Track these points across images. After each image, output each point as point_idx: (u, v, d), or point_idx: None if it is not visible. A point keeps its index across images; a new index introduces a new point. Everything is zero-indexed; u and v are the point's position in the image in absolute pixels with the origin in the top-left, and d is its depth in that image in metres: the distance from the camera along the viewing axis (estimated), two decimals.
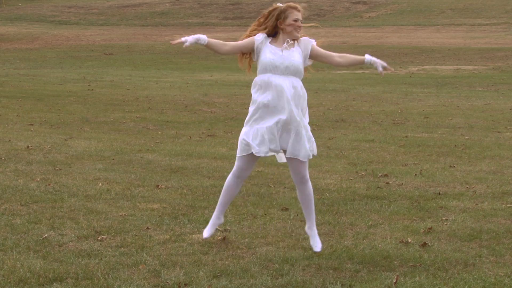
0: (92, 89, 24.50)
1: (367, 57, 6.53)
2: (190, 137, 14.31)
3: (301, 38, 6.56)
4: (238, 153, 6.60)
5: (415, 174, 10.52)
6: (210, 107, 19.97)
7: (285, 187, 9.49)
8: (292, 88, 6.45)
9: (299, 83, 6.52)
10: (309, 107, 21.49)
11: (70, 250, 6.70)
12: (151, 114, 18.08)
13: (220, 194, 6.88)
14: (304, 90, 6.56)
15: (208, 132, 15.04)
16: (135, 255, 6.59)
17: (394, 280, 5.96)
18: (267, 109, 6.46)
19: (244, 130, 6.58)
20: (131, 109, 18.97)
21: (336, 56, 6.61)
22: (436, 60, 39.10)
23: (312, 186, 9.53)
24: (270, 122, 6.46)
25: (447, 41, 48.93)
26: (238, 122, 16.10)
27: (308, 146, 6.58)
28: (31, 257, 6.46)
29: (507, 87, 26.70)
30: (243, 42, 6.61)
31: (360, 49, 45.11)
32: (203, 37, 6.57)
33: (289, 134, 6.49)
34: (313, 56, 6.61)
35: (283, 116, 6.43)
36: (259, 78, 6.54)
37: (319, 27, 6.71)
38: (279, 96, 6.44)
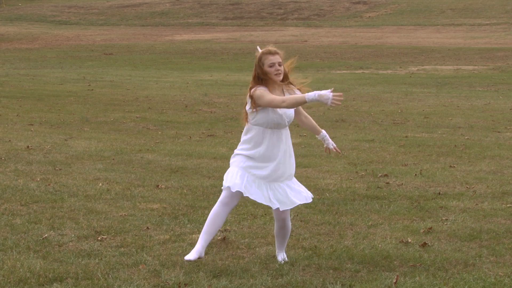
0: (92, 89, 24.50)
1: (323, 133, 6.49)
2: (190, 137, 14.32)
3: (292, 86, 6.32)
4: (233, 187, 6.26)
5: (415, 174, 10.52)
6: (210, 107, 19.97)
7: None
8: (284, 144, 6.35)
9: (288, 133, 6.41)
10: (309, 107, 21.28)
11: (70, 250, 6.71)
12: (151, 114, 18.08)
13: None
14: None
15: (208, 132, 15.04)
16: (135, 255, 6.59)
17: (394, 280, 5.96)
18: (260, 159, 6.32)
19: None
20: (131, 109, 18.97)
21: (303, 115, 6.46)
22: (436, 60, 39.11)
23: (312, 186, 9.59)
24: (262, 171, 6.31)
25: (447, 41, 48.93)
26: (238, 122, 16.10)
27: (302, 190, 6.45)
28: (31, 257, 6.47)
29: (507, 87, 26.69)
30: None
31: (360, 49, 45.13)
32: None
33: (281, 186, 6.33)
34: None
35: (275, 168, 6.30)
36: (254, 133, 6.34)
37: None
38: (273, 148, 6.32)
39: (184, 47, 48.18)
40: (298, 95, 6.18)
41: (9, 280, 5.90)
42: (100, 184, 9.52)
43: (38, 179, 9.75)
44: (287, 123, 6.33)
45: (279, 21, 63.72)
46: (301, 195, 6.36)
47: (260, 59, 6.30)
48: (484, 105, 20.80)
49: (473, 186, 9.76)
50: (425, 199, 8.95)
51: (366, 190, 9.44)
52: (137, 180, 9.90)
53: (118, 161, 11.42)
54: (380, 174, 10.48)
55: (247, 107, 6.37)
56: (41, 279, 5.94)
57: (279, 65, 6.24)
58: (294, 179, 6.42)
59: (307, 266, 6.37)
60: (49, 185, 9.40)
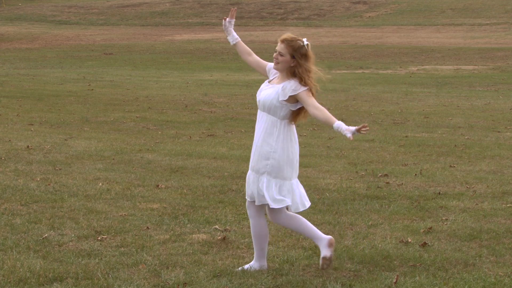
0: (92, 89, 24.50)
1: (336, 124, 5.91)
2: (190, 137, 14.31)
3: (292, 80, 6.11)
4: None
5: (415, 174, 10.52)
6: (210, 107, 19.97)
7: None
8: (261, 131, 6.16)
9: (270, 122, 6.12)
10: None
11: (70, 250, 6.71)
12: (151, 114, 18.08)
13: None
14: (275, 131, 6.09)
15: (208, 132, 15.04)
16: (135, 255, 6.59)
17: (394, 280, 5.96)
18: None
19: None
20: (131, 109, 18.97)
21: (313, 107, 6.06)
22: (436, 60, 39.10)
23: (312, 186, 9.58)
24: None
25: (447, 41, 48.92)
26: (238, 122, 16.09)
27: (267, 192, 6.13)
28: (31, 257, 6.47)
29: (507, 87, 26.69)
30: (261, 61, 6.41)
31: (360, 49, 45.13)
32: (234, 38, 6.50)
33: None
34: (299, 99, 6.12)
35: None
36: None
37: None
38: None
39: (184, 47, 48.17)
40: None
41: (9, 280, 5.90)
42: (100, 184, 9.52)
43: (38, 179, 9.75)
44: (260, 106, 6.17)
45: (279, 21, 63.72)
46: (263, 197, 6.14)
47: None
48: (484, 105, 20.80)
49: (473, 186, 9.76)
50: (425, 199, 8.95)
51: (366, 190, 9.44)
52: (137, 180, 9.90)
53: (118, 161, 11.42)
54: (380, 174, 10.48)
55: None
56: (41, 279, 5.94)
57: (280, 55, 6.12)
58: (265, 181, 6.11)
59: (307, 266, 6.37)
60: (49, 185, 9.40)
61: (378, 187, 9.63)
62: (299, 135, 15.55)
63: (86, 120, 16.67)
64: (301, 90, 6.10)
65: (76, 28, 61.82)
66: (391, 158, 12.07)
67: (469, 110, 19.43)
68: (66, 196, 8.82)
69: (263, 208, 6.27)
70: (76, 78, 29.48)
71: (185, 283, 5.88)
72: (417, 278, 6.07)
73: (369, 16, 64.05)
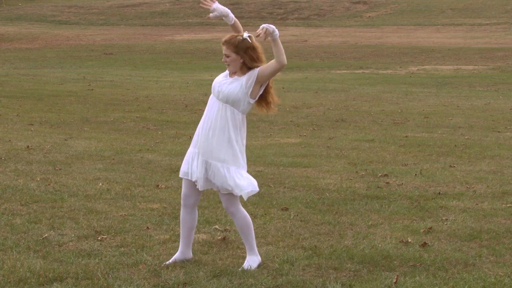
0: (92, 89, 24.50)
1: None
2: (190, 137, 14.31)
3: (249, 71, 6.18)
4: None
5: (415, 174, 10.52)
6: None
7: (285, 187, 9.50)
8: (222, 121, 6.21)
9: (232, 114, 6.21)
10: (309, 107, 21.22)
11: (70, 250, 6.71)
12: (151, 114, 18.08)
13: None
14: (237, 123, 6.21)
15: None
16: (135, 255, 6.59)
17: (394, 280, 5.96)
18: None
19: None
20: (131, 109, 18.97)
21: (269, 63, 6.15)
22: (436, 60, 39.10)
23: (312, 186, 9.59)
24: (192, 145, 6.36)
25: (447, 41, 48.92)
26: None
27: (228, 180, 6.19)
28: (31, 257, 6.47)
29: (507, 87, 26.69)
30: None
31: (360, 49, 45.12)
32: (231, 16, 6.42)
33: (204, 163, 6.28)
34: (261, 77, 6.14)
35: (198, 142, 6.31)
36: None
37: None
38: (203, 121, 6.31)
39: (184, 47, 48.17)
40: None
41: (9, 280, 5.90)
42: (100, 184, 9.52)
43: (38, 179, 9.75)
44: (223, 98, 6.20)
45: (279, 21, 63.70)
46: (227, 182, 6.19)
47: None
48: (484, 105, 20.80)
49: (473, 186, 9.77)
50: (425, 199, 8.96)
51: (366, 190, 9.44)
52: (137, 180, 9.91)
53: (118, 161, 11.43)
54: (380, 174, 10.49)
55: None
56: (41, 279, 5.94)
57: (227, 56, 6.21)
58: (234, 171, 6.19)
59: (307, 266, 6.37)
60: (49, 185, 9.40)
61: (378, 187, 9.63)
62: (299, 135, 15.55)
63: (86, 120, 16.67)
64: (258, 68, 6.17)
65: (76, 28, 61.82)
66: (391, 158, 12.07)
67: (469, 110, 19.43)
68: (66, 196, 8.83)
69: (236, 200, 6.28)
70: (76, 78, 29.48)
71: (185, 283, 5.88)
72: (417, 278, 6.07)
73: (369, 16, 64.05)
